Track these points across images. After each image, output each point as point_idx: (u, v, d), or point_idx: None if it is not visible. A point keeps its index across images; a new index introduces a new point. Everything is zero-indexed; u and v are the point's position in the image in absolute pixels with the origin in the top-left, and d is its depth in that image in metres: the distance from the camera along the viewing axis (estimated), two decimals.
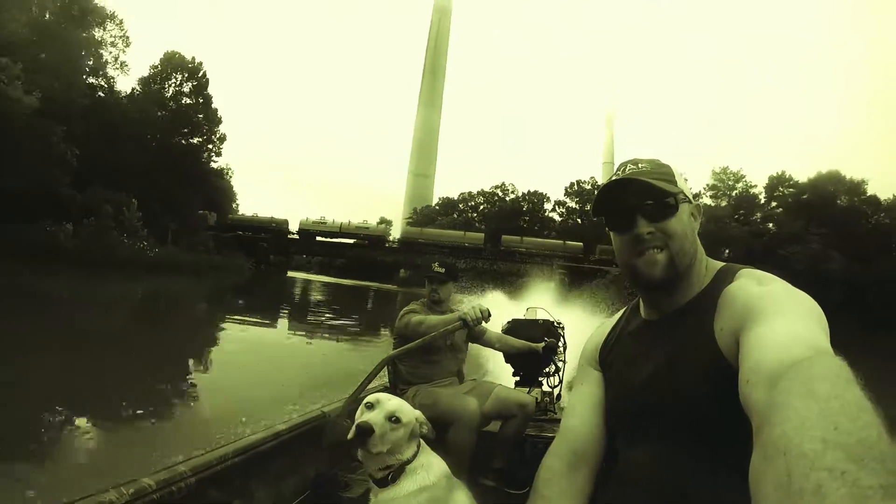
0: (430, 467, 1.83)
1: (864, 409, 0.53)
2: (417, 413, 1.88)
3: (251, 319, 17.06)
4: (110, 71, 41.34)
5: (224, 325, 14.93)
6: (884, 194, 51.20)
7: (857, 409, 0.53)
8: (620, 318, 1.41)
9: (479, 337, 3.41)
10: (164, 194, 39.88)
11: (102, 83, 40.95)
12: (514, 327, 3.86)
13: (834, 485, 0.44)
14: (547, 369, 3.84)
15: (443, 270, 3.33)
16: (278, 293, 34.96)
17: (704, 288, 1.17)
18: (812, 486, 0.45)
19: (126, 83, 43.62)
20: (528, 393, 3.44)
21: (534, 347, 3.54)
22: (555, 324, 3.92)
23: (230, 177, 52.30)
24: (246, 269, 48.77)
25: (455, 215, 76.28)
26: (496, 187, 77.85)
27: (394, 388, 3.15)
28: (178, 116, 44.98)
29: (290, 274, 68.47)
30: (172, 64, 46.07)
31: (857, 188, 51.32)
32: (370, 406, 1.81)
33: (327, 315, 21.63)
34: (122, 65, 41.58)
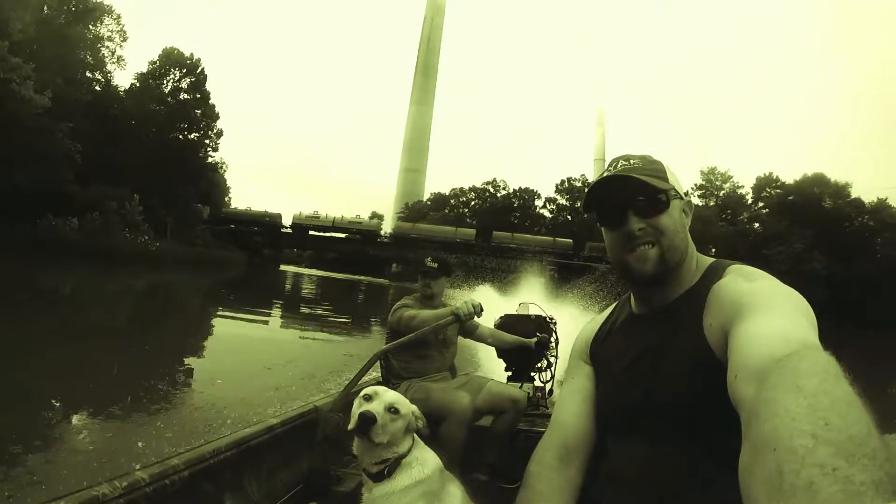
0: (425, 461, 1.83)
1: (853, 405, 0.53)
2: (413, 407, 1.89)
3: (262, 311, 17.67)
4: (107, 66, 41.23)
5: (228, 318, 15.42)
6: (868, 197, 51.76)
7: (847, 404, 0.53)
8: (612, 312, 1.40)
9: (472, 331, 3.41)
10: (163, 189, 39.68)
11: (100, 77, 40.81)
12: (507, 322, 3.86)
13: (826, 481, 0.44)
14: (539, 364, 3.84)
15: (436, 265, 3.31)
16: (288, 288, 35.67)
17: (694, 284, 1.17)
18: (803, 483, 0.45)
19: (122, 78, 43.51)
20: (520, 388, 3.43)
21: (526, 342, 3.55)
22: (547, 319, 3.91)
23: (224, 171, 52.11)
24: (242, 263, 48.81)
25: (446, 211, 76.10)
26: (487, 183, 77.79)
27: (386, 383, 3.12)
28: (176, 111, 44.81)
29: (283, 267, 68.38)
30: (171, 60, 45.84)
31: (841, 191, 51.82)
32: (368, 398, 1.81)
33: (327, 309, 22.04)
34: (119, 59, 41.49)
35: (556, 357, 3.76)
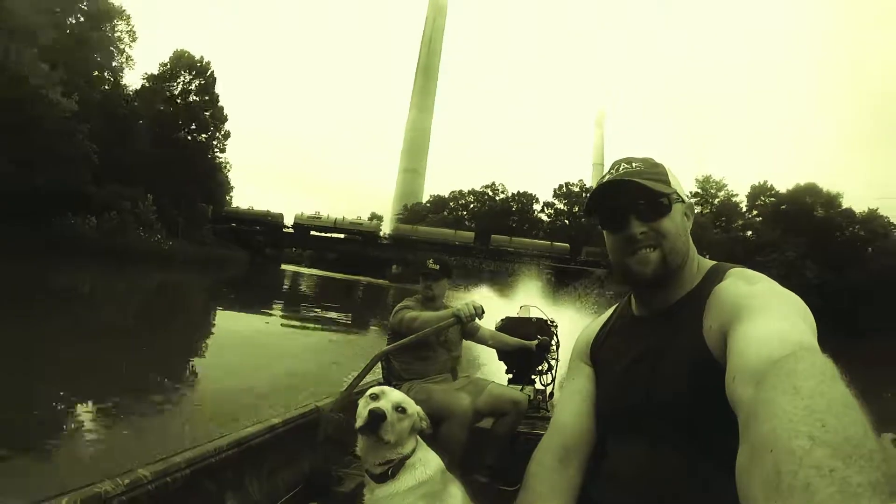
0: (428, 462, 1.82)
1: (849, 406, 0.53)
2: (418, 408, 1.88)
3: (275, 311, 18.34)
4: (116, 64, 41.18)
5: (238, 316, 16.06)
6: (859, 207, 51.98)
7: (843, 406, 0.53)
8: (612, 314, 1.40)
9: (473, 333, 3.40)
10: (173, 189, 39.84)
11: (109, 77, 40.83)
12: (508, 325, 3.84)
13: (823, 483, 0.43)
14: (540, 367, 3.82)
15: (437, 267, 3.30)
16: (288, 287, 36.04)
17: (695, 286, 1.16)
18: (801, 484, 0.44)
19: (130, 78, 43.49)
20: (521, 390, 3.41)
21: (527, 345, 3.53)
22: (548, 322, 3.89)
23: (228, 171, 52.20)
24: (245, 262, 49.20)
25: (445, 213, 76.12)
26: (486, 187, 77.88)
27: (387, 384, 3.08)
28: (184, 113, 45.14)
29: (284, 267, 68.72)
30: (182, 62, 46.15)
31: (833, 200, 52.00)
32: (375, 397, 1.81)
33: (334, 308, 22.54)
34: (128, 59, 41.50)
35: (557, 360, 3.74)
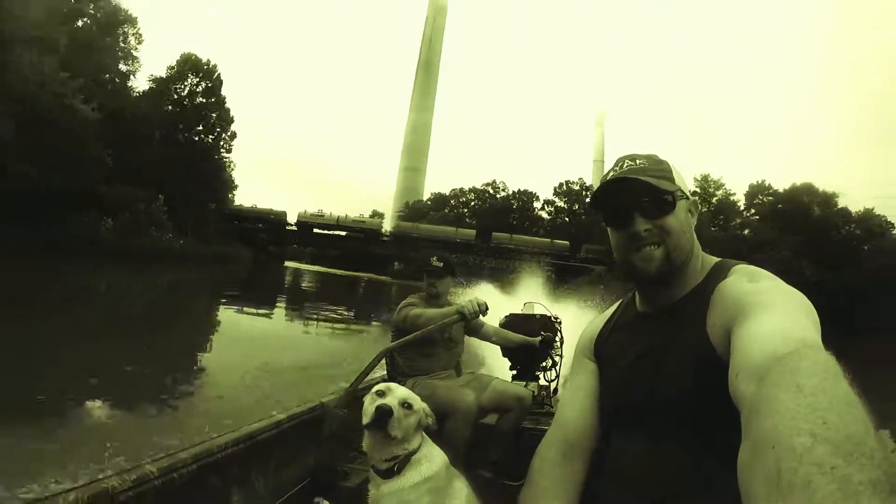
0: (433, 458, 1.82)
1: (851, 405, 0.52)
2: (424, 404, 1.89)
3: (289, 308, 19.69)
4: (123, 67, 41.44)
5: (250, 313, 16.83)
6: (856, 206, 52.03)
7: (846, 404, 0.52)
8: (616, 310, 1.39)
9: (477, 330, 3.38)
10: (180, 189, 40.04)
11: (116, 80, 40.92)
12: (512, 321, 3.83)
13: (823, 480, 0.43)
14: (544, 363, 3.80)
15: (441, 265, 3.28)
16: (295, 284, 37.08)
17: (699, 283, 1.16)
18: (801, 481, 0.44)
19: (136, 80, 43.57)
20: (525, 387, 3.39)
21: (531, 341, 3.51)
22: (552, 318, 3.87)
23: (232, 170, 52.23)
24: (249, 260, 49.75)
25: (446, 210, 75.98)
26: (487, 185, 77.68)
27: (391, 381, 3.08)
28: (192, 114, 45.41)
29: (287, 264, 69.01)
30: (188, 65, 46.37)
31: (829, 200, 52.05)
32: (381, 393, 1.81)
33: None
34: (135, 61, 41.61)
35: (561, 356, 3.72)
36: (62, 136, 27.12)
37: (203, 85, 46.60)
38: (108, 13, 38.34)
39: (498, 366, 4.47)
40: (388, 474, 1.75)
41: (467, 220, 73.03)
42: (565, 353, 3.68)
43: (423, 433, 1.87)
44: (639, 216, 1.14)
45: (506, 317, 3.90)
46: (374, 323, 17.84)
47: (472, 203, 77.31)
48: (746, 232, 53.73)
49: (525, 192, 74.62)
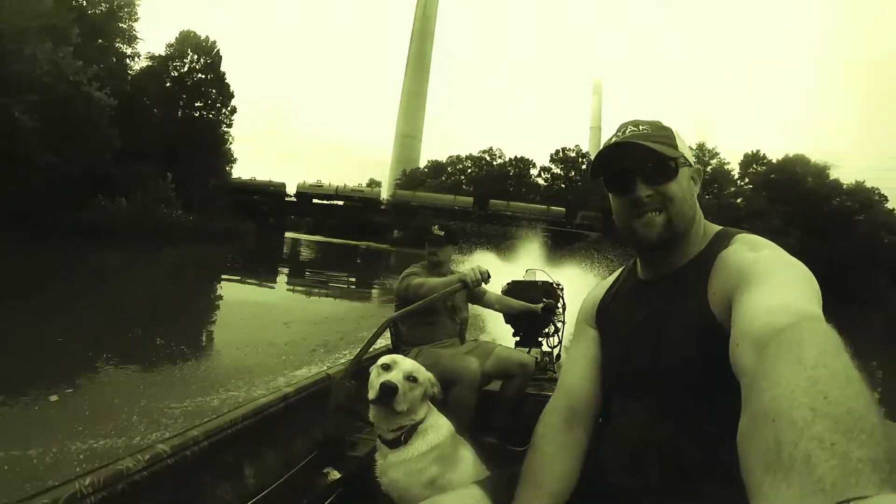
0: (439, 427, 1.83)
1: (852, 379, 0.51)
2: (430, 374, 1.88)
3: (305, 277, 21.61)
4: (128, 50, 40.92)
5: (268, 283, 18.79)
6: (846, 179, 52.08)
7: (846, 378, 0.51)
8: (617, 277, 1.37)
9: (479, 298, 3.36)
10: (186, 165, 39.98)
11: (126, 62, 40.75)
12: (514, 288, 3.82)
13: (823, 455, 0.42)
14: (546, 329, 3.79)
15: (442, 233, 3.25)
16: (302, 255, 39.70)
17: (701, 251, 1.14)
18: (801, 456, 0.43)
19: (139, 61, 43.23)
20: (528, 353, 3.39)
21: (533, 308, 3.49)
22: (554, 285, 3.85)
23: (231, 143, 51.81)
24: (253, 232, 50.06)
25: (443, 178, 75.51)
26: (484, 152, 76.81)
27: (396, 350, 3.08)
28: (192, 91, 45.16)
29: (287, 235, 69.49)
30: (188, 42, 45.97)
31: (821, 172, 52.10)
32: (387, 367, 1.81)
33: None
34: (133, 38, 40.87)
35: (564, 322, 3.70)
36: (82, 124, 27.39)
37: (202, 61, 46.18)
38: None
39: (501, 333, 4.48)
40: (395, 444, 1.76)
41: (464, 187, 72.61)
42: (567, 320, 3.66)
43: (429, 402, 1.87)
44: (641, 182, 1.11)
45: (508, 284, 3.89)
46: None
47: (469, 170, 76.65)
48: (739, 201, 53.79)
49: (522, 159, 74.06)
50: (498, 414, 2.89)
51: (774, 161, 54.84)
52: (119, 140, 30.38)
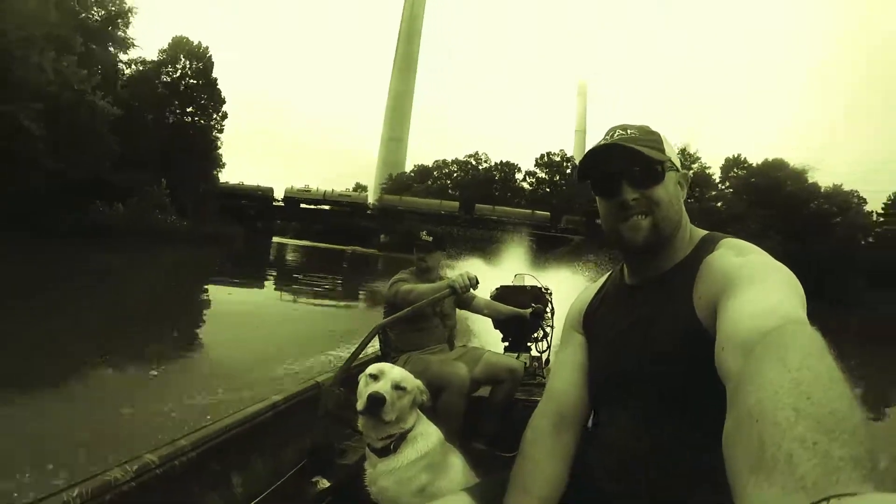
0: (428, 435, 1.81)
1: (835, 380, 0.52)
2: (418, 382, 1.86)
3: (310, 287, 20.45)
4: (124, 57, 40.98)
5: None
6: (826, 182, 52.98)
7: (829, 379, 0.52)
8: (604, 282, 1.37)
9: (468, 303, 3.33)
10: (178, 171, 39.96)
11: (125, 70, 40.87)
12: (503, 293, 3.81)
13: (805, 455, 0.43)
14: (535, 334, 3.77)
15: (430, 239, 3.21)
16: (290, 259, 39.47)
17: (687, 255, 1.13)
18: (784, 456, 0.44)
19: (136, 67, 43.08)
20: (517, 358, 3.37)
21: (521, 313, 3.46)
22: (542, 290, 3.85)
23: (220, 148, 51.47)
24: (242, 237, 49.90)
25: (430, 182, 75.60)
26: (470, 156, 77.02)
27: (385, 356, 3.04)
28: (185, 96, 45.09)
29: (275, 239, 69.18)
30: (180, 48, 45.80)
31: (800, 176, 52.91)
32: (374, 377, 1.78)
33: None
34: (126, 41, 40.44)
35: (552, 327, 3.69)
36: (86, 133, 27.70)
37: (195, 66, 46.00)
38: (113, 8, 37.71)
39: (489, 338, 4.47)
40: (385, 452, 1.74)
41: (450, 191, 72.70)
42: (556, 324, 3.65)
43: (418, 410, 1.85)
44: (627, 185, 1.11)
45: (497, 289, 3.88)
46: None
47: (455, 175, 76.76)
48: (720, 204, 54.43)
49: (507, 163, 74.26)
50: (487, 420, 2.86)
51: (755, 165, 55.69)
52: (118, 147, 30.58)
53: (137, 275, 17.86)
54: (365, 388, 1.74)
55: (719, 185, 58.17)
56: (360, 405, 1.72)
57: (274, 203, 63.73)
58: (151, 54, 44.47)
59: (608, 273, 1.39)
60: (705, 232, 1.18)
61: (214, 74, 46.25)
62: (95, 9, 36.06)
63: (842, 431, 0.44)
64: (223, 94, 47.63)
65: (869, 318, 31.21)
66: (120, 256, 22.41)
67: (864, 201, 52.66)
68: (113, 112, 29.00)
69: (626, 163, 1.11)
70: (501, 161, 74.79)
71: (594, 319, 1.30)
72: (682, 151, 59.72)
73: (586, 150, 1.18)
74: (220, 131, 48.55)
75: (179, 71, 45.60)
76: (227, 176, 56.28)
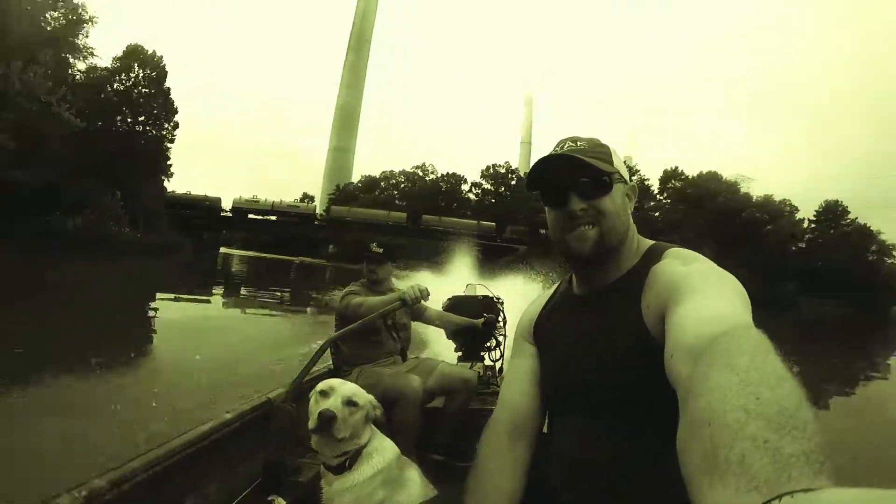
0: (384, 450, 1.78)
1: (783, 379, 0.52)
2: (370, 396, 1.82)
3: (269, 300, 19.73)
4: (81, 66, 40.28)
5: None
6: (763, 192, 55.92)
7: (777, 378, 0.52)
8: (554, 292, 1.37)
9: (420, 315, 3.30)
10: (130, 181, 38.80)
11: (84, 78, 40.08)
12: (455, 304, 3.78)
13: (757, 454, 0.43)
14: (488, 344, 3.77)
15: (381, 251, 3.16)
16: (239, 270, 38.62)
17: (634, 266, 1.14)
18: (736, 457, 0.44)
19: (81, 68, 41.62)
20: (471, 368, 3.35)
21: (474, 323, 3.45)
22: (494, 299, 3.85)
23: (168, 159, 49.82)
24: (190, 247, 48.82)
25: (377, 193, 75.26)
26: (417, 167, 77.21)
27: (337, 370, 2.98)
28: (136, 105, 43.74)
29: (222, 250, 67.36)
30: (134, 56, 44.36)
31: (732, 187, 55.47)
32: (325, 394, 1.73)
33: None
34: (84, 48, 39.49)
35: (505, 336, 3.70)
36: (50, 143, 27.78)
37: (147, 74, 44.63)
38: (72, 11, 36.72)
39: (442, 349, 4.44)
40: (340, 470, 1.69)
41: (397, 202, 72.57)
42: (508, 333, 3.65)
43: (372, 425, 1.81)
44: (575, 196, 1.11)
45: (449, 299, 3.85)
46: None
47: (402, 185, 76.67)
48: (658, 214, 56.28)
49: (453, 174, 74.64)
50: (443, 431, 2.82)
51: (691, 177, 57.94)
52: (74, 156, 30.59)
53: (90, 289, 17.16)
54: (315, 406, 1.69)
55: (657, 196, 60.10)
56: (311, 423, 1.67)
57: (222, 213, 62.23)
58: (106, 62, 43.26)
59: (557, 283, 1.39)
60: (652, 242, 1.20)
61: (167, 84, 45.22)
62: (56, 14, 35.59)
63: (792, 428, 0.44)
64: (175, 105, 46.65)
65: (804, 320, 32.72)
66: (75, 268, 21.78)
67: (796, 209, 55.51)
68: (77, 124, 29.09)
69: (574, 174, 1.11)
70: (448, 172, 75.29)
71: (544, 330, 1.30)
72: (623, 163, 61.70)
73: (534, 161, 1.18)
74: (172, 141, 47.34)
75: (133, 79, 44.28)
76: (176, 186, 54.84)
